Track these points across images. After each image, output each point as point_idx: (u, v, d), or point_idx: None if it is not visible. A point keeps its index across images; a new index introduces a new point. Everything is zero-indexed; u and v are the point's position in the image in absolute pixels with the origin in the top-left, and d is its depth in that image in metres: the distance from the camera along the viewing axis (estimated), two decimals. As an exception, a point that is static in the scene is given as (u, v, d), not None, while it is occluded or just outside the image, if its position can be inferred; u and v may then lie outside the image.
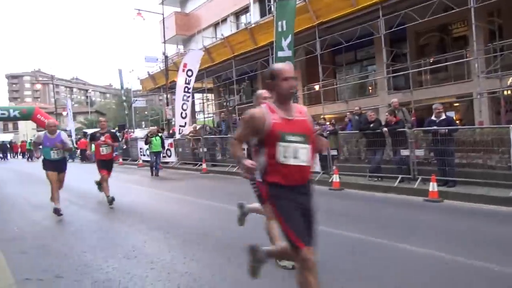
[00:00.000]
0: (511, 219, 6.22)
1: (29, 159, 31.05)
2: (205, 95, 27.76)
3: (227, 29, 23.80)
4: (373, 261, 4.34)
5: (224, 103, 20.05)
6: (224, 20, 25.36)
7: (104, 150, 8.31)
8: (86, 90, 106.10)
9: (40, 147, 7.71)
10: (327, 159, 10.51)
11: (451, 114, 14.41)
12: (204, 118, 26.30)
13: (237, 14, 25.42)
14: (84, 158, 25.27)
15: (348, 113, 14.15)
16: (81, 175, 14.86)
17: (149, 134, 15.20)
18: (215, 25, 26.49)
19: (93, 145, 8.83)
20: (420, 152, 8.98)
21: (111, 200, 7.99)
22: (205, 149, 15.80)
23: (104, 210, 7.84)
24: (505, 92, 12.78)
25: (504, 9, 13.44)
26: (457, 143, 8.65)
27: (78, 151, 25.97)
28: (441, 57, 14.80)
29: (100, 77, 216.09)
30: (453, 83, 14.42)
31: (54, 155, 7.33)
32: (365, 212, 7.03)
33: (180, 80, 19.01)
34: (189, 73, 18.88)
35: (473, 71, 12.83)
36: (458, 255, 4.33)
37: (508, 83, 12.61)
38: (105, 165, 8.37)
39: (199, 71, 22.31)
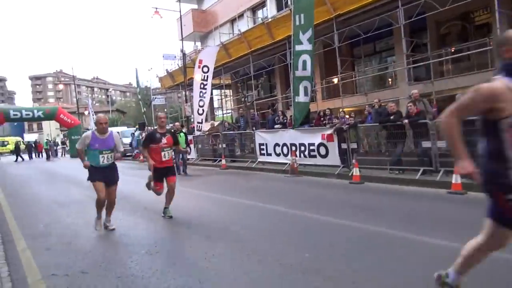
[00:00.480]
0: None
1: (48, 159, 31.97)
2: (223, 91, 27.87)
3: (244, 25, 23.78)
4: (395, 255, 4.28)
5: (242, 99, 20.03)
6: (241, 15, 25.34)
7: (166, 155, 6.58)
8: (107, 90, 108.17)
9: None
10: (347, 152, 10.40)
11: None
12: (223, 114, 26.41)
13: (254, 9, 25.36)
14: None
15: (367, 106, 13.96)
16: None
17: (172, 131, 15.26)
18: (232, 21, 26.52)
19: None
20: (442, 144, 8.78)
21: (169, 215, 6.67)
22: (224, 145, 15.87)
23: (126, 207, 7.98)
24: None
25: (529, -6, 12.97)
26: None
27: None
28: (463, 46, 14.39)
29: (120, 76, 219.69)
30: (476, 72, 14.00)
31: (103, 160, 5.81)
32: (386, 206, 6.94)
33: (197, 76, 19.13)
34: (205, 69, 18.95)
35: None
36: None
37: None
38: (165, 173, 6.65)
39: (216, 67, 22.37)
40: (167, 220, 6.54)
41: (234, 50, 21.53)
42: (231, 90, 27.82)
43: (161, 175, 6.62)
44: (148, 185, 7.04)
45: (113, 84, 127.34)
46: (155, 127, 6.97)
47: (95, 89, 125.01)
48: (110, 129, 6.07)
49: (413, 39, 15.22)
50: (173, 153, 6.98)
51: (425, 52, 14.96)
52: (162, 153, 6.53)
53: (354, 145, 10.39)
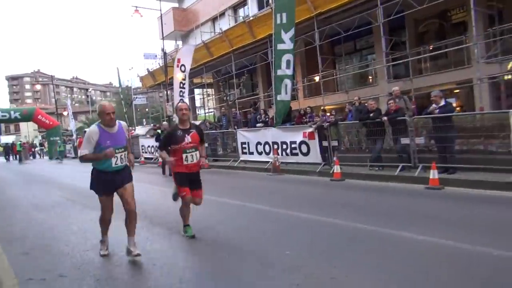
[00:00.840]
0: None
1: (20, 161, 30.91)
2: (205, 90, 27.74)
3: (225, 23, 23.72)
4: (374, 249, 4.34)
5: (224, 98, 20.01)
6: (222, 14, 25.25)
7: (189, 158, 5.10)
8: (87, 89, 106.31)
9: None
10: (328, 150, 10.50)
11: (452, 100, 14.37)
12: (205, 113, 26.30)
13: (235, 8, 25.32)
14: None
15: (347, 104, 14.12)
16: (83, 173, 14.90)
17: (159, 131, 15.09)
18: (213, 19, 26.39)
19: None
20: (420, 140, 8.94)
21: (191, 235, 5.25)
22: (206, 145, 15.78)
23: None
24: (505, 77, 12.68)
25: (503, -7, 13.33)
26: (457, 130, 8.61)
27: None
28: (441, 44, 14.69)
29: (100, 75, 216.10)
30: (453, 69, 14.32)
31: (116, 161, 4.48)
32: (366, 202, 7.03)
33: (178, 75, 19.02)
34: (183, 68, 18.86)
35: (473, 57, 12.74)
36: (459, 241, 4.32)
37: (508, 67, 12.51)
38: (191, 180, 5.23)
39: (198, 66, 22.29)
40: (149, 221, 6.47)
41: (216, 49, 21.47)
42: (213, 89, 27.72)
43: (185, 180, 5.15)
44: (174, 196, 5.70)
45: (93, 84, 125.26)
46: (175, 122, 5.32)
47: (75, 89, 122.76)
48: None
49: (392, 37, 15.45)
50: (198, 155, 5.23)
51: (404, 50, 15.21)
52: (184, 155, 5.06)
53: (335, 143, 10.50)
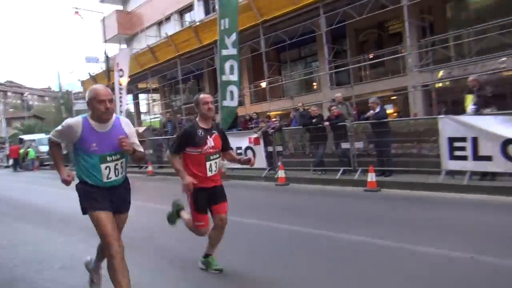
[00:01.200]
0: (440, 204, 6.64)
1: None
2: (150, 95, 27.12)
3: (171, 28, 23.39)
4: (317, 253, 4.45)
5: (170, 103, 19.69)
6: (168, 18, 24.89)
7: (214, 167, 3.93)
8: (22, 94, 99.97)
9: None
10: (273, 155, 10.66)
11: (389, 106, 15.19)
12: (150, 119, 25.70)
13: (181, 12, 25.05)
14: (17, 166, 23.98)
15: (292, 110, 14.44)
16: (14, 183, 14.00)
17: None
18: (159, 23, 25.94)
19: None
20: (359, 145, 9.35)
21: (218, 269, 4.01)
22: (150, 151, 15.43)
23: (42, 220, 7.41)
24: (436, 85, 13.62)
25: (434, 7, 14.35)
26: (393, 135, 9.11)
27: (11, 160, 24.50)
28: (379, 53, 15.49)
29: (38, 79, 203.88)
30: (390, 77, 15.14)
31: (109, 173, 3.17)
32: (309, 205, 7.21)
33: (121, 80, 18.49)
34: (121, 72, 18.40)
35: (408, 66, 13.56)
36: (389, 239, 4.56)
37: (439, 76, 13.44)
38: (213, 197, 3.91)
39: (143, 70, 21.79)
40: (86, 231, 6.11)
41: (161, 53, 21.10)
42: (159, 95, 27.18)
43: (206, 201, 3.89)
44: (171, 218, 4.59)
45: (30, 88, 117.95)
46: (195, 119, 4.05)
47: (9, 94, 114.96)
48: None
49: (334, 46, 16.04)
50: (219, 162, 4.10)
51: (346, 58, 15.86)
52: (208, 164, 3.84)
53: (279, 148, 10.68)
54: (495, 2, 13.53)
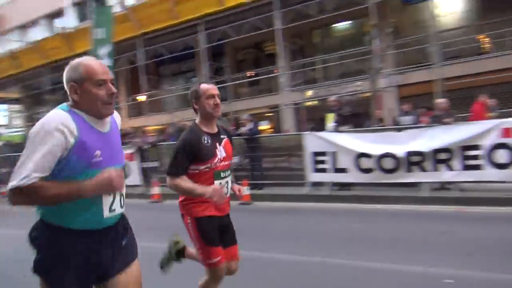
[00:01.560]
0: (305, 214, 7.15)
1: None
2: (11, 106, 24.07)
3: (38, 33, 21.25)
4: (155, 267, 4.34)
5: (34, 116, 17.75)
6: (34, 22, 22.59)
7: (227, 186, 2.75)
8: None
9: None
10: (147, 172, 10.30)
11: (265, 123, 16.01)
12: (11, 133, 22.77)
13: (50, 17, 22.97)
14: None
15: (170, 125, 14.23)
16: None
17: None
18: (24, 26, 23.37)
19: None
20: (235, 159, 9.58)
21: None
22: (4, 170, 13.50)
23: None
24: (306, 104, 14.84)
25: (303, 33, 15.69)
26: (266, 150, 9.56)
27: None
28: (256, 72, 16.29)
29: None
30: (266, 95, 16.02)
31: (113, 203, 1.88)
32: (177, 222, 7.07)
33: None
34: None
35: (280, 85, 14.51)
36: (257, 250, 4.71)
37: (308, 95, 14.67)
38: (224, 230, 2.89)
39: (2, 78, 19.34)
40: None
41: (26, 60, 19.00)
42: (22, 105, 24.30)
43: (216, 232, 2.80)
44: (164, 263, 3.38)
45: None
46: (194, 122, 2.82)
47: None
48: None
49: (214, 63, 16.36)
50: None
51: (225, 75, 16.30)
52: (218, 182, 2.66)
53: (155, 164, 10.35)
54: (355, 32, 15.38)
